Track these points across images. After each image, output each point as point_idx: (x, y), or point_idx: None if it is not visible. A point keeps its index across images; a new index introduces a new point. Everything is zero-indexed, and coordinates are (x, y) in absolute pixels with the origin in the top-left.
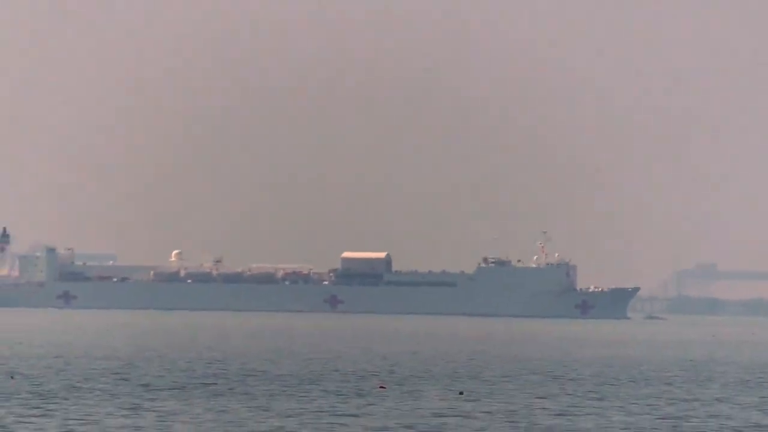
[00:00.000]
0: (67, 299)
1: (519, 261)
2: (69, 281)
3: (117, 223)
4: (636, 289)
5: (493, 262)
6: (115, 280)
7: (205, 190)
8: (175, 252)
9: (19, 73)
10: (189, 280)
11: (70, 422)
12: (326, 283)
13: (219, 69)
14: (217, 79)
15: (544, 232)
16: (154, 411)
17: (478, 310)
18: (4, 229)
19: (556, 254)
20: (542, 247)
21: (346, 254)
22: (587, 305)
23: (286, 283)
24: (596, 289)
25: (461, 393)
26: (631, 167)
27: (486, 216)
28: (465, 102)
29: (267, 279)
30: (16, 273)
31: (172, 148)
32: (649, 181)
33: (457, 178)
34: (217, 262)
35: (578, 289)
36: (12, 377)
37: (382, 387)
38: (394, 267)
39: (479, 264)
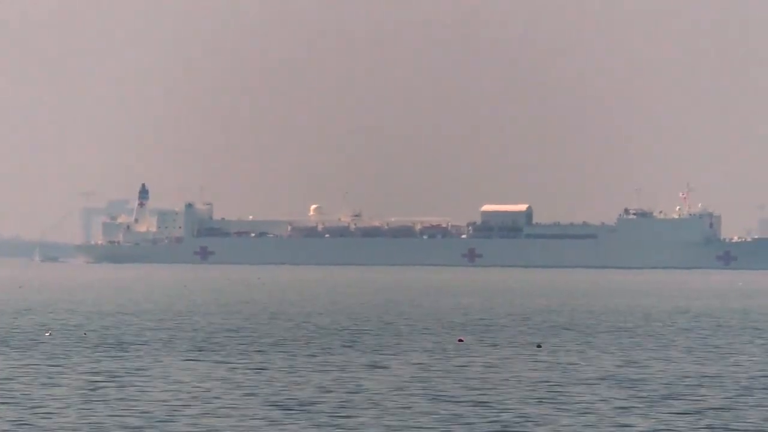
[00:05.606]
0: (204, 255)
1: (661, 212)
2: (207, 237)
3: (254, 179)
4: None
5: (634, 213)
6: (252, 235)
7: (342, 144)
8: (313, 206)
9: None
10: (327, 235)
11: None
12: (465, 236)
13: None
14: (363, 32)
15: (687, 183)
16: None
17: (619, 263)
18: (143, 185)
19: (699, 204)
20: (685, 197)
21: (486, 207)
22: (730, 256)
23: (424, 237)
24: (740, 239)
25: (539, 346)
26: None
27: (627, 166)
28: (605, 51)
29: (405, 233)
30: (154, 228)
31: (314, 106)
32: None
33: (596, 130)
34: (356, 216)
35: (722, 239)
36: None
37: (460, 340)
38: (535, 219)
39: (620, 215)
